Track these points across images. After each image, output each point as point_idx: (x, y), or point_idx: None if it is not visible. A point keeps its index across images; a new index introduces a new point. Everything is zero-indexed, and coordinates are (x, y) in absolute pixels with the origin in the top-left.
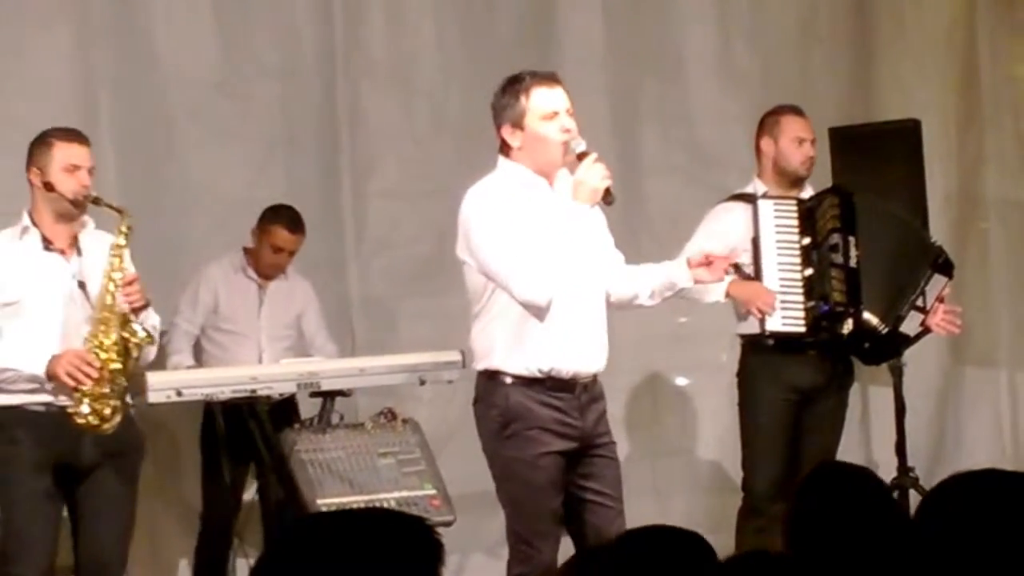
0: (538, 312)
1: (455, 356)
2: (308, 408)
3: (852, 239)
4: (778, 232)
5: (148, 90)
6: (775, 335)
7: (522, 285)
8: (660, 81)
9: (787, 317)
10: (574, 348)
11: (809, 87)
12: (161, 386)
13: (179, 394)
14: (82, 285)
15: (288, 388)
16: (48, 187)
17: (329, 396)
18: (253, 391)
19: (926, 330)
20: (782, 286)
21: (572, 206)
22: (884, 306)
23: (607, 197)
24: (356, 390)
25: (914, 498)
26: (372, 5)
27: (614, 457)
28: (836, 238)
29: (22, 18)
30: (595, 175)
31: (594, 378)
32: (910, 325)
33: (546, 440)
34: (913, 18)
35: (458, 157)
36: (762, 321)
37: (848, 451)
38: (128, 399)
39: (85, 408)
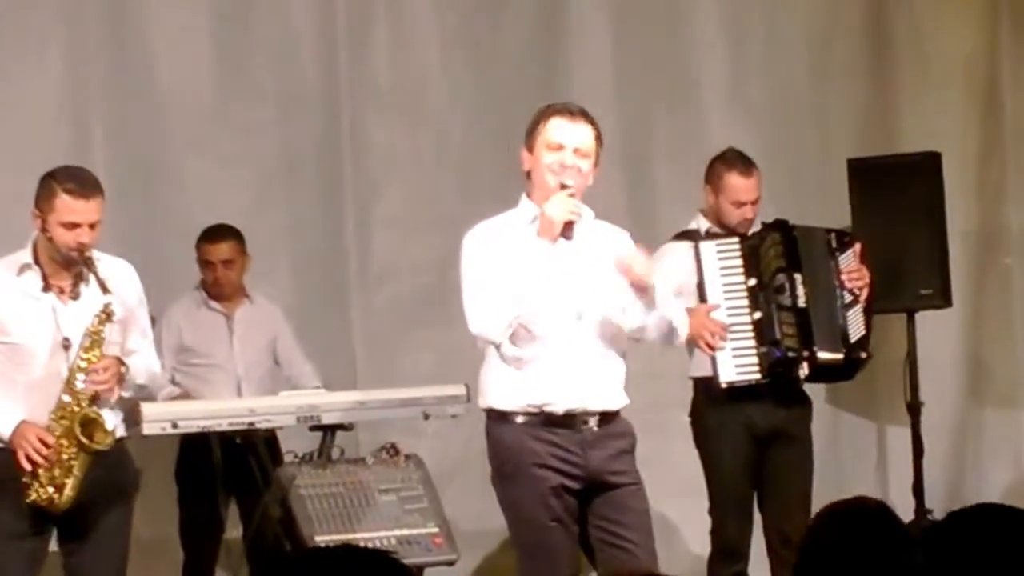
0: (510, 350)
1: (459, 390)
2: (292, 443)
3: (798, 276)
4: (723, 274)
5: (143, 114)
6: (731, 386)
7: (473, 319)
8: (671, 111)
9: (740, 365)
10: (566, 384)
11: (823, 118)
12: (156, 418)
13: (175, 426)
14: (67, 343)
15: (287, 421)
16: (45, 232)
17: (329, 430)
18: (251, 423)
19: (855, 300)
20: (732, 332)
21: (535, 241)
22: (833, 335)
23: (566, 232)
24: (357, 424)
25: None
26: (377, 30)
27: (635, 498)
28: (782, 278)
29: (7, 36)
30: (557, 208)
31: (604, 415)
32: None
33: (545, 475)
34: (933, 48)
35: (463, 186)
36: (715, 369)
37: (865, 492)
38: (122, 430)
39: (32, 493)
